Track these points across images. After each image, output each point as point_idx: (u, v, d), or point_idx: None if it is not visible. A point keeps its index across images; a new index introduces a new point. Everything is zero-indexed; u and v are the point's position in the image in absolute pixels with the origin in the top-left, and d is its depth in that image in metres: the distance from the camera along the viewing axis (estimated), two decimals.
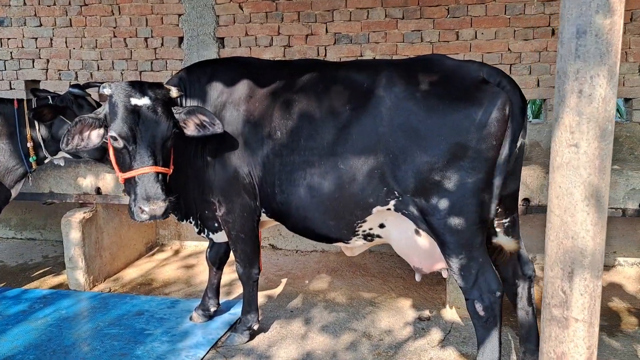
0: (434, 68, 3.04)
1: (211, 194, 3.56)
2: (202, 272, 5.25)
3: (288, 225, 3.48)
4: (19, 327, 4.15)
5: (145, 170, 3.10)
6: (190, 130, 3.28)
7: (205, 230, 3.86)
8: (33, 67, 6.03)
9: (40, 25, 5.91)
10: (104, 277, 5.14)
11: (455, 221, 2.86)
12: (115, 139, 3.12)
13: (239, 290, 4.73)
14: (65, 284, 5.02)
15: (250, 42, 5.57)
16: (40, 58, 6.00)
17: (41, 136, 4.40)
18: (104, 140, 3.25)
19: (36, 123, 4.37)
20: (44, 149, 4.44)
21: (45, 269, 5.44)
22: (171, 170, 3.28)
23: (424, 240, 3.10)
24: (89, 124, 3.24)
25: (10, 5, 5.91)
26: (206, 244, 5.88)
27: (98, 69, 5.90)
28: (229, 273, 4.86)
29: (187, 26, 5.63)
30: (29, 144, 4.37)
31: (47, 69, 6.01)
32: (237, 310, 4.29)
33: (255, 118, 3.39)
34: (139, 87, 3.17)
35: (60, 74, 6.00)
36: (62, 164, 4.69)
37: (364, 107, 3.06)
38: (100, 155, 4.47)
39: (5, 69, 6.08)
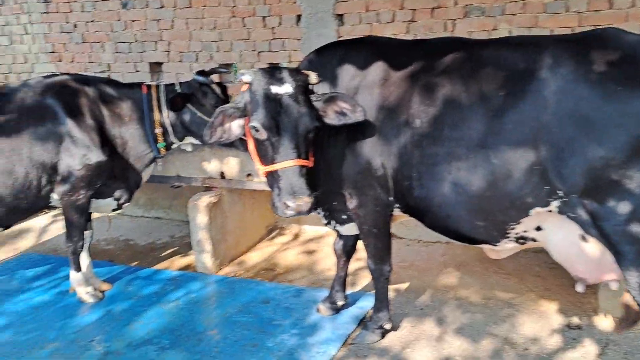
0: (610, 44, 2.62)
1: (342, 186, 3.38)
2: (324, 259, 5.14)
3: (426, 223, 3.23)
4: (153, 309, 4.27)
5: (289, 164, 2.93)
6: (330, 118, 3.08)
7: (333, 222, 3.70)
8: (156, 49, 6.12)
9: (162, 7, 5.95)
10: (229, 261, 5.18)
11: (637, 229, 2.46)
12: (257, 129, 2.97)
13: (363, 281, 4.57)
14: (192, 265, 5.11)
15: (371, 18, 5.27)
16: (162, 40, 6.07)
17: (169, 122, 4.41)
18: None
19: (164, 109, 4.39)
20: (171, 135, 4.46)
21: (173, 249, 5.58)
22: (312, 163, 3.11)
23: (593, 247, 2.73)
24: (229, 115, 3.14)
25: None
26: (325, 229, 5.78)
27: (217, 50, 5.87)
28: (352, 262, 4.70)
29: (306, 3, 5.42)
30: (157, 130, 4.41)
31: (169, 51, 6.07)
32: (364, 304, 4.13)
33: (391, 103, 3.14)
34: (279, 73, 3.00)
35: (181, 56, 6.04)
36: (190, 149, 4.71)
37: (523, 92, 2.70)
38: (229, 142, 4.42)
39: (131, 52, 6.22)
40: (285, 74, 3.01)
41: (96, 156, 4.15)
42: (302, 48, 5.54)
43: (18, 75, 6.79)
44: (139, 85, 4.48)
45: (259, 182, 4.85)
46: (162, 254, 5.49)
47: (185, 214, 6.24)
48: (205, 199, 4.89)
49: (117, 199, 4.54)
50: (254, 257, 5.32)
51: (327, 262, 5.10)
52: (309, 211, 2.97)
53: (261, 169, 3.12)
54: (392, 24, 5.22)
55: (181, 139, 4.53)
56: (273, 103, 2.92)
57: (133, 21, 6.12)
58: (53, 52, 6.55)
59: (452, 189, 2.91)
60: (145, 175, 4.63)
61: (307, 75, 3.06)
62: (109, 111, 4.32)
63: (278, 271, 4.99)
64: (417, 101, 3.00)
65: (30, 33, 6.59)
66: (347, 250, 3.97)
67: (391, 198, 3.24)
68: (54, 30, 6.47)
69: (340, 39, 5.38)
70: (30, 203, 4.13)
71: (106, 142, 4.26)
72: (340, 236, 3.96)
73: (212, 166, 4.97)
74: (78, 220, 4.31)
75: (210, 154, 4.93)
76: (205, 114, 4.33)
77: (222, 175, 4.97)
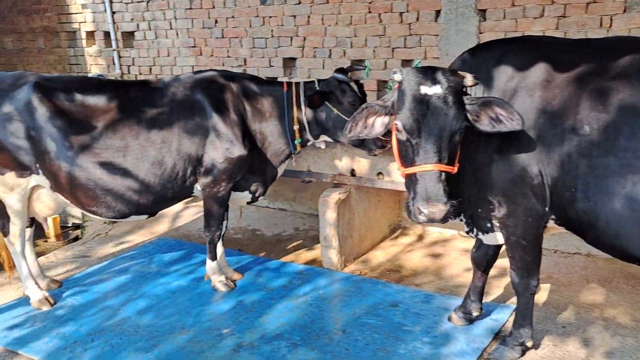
0: None
1: (490, 193, 3.20)
2: (451, 264, 4.98)
3: (588, 239, 2.97)
4: (283, 302, 4.34)
5: (427, 168, 2.83)
6: (483, 124, 2.92)
7: (475, 230, 3.53)
8: (291, 44, 6.22)
9: (299, 2, 6.03)
10: (354, 258, 5.16)
11: None
12: (398, 129, 2.91)
13: (497, 291, 4.36)
14: (318, 260, 5.15)
15: (517, 14, 4.97)
16: (297, 36, 6.15)
17: (306, 119, 4.45)
18: (388, 129, 3.08)
19: (303, 106, 4.43)
20: (308, 132, 4.50)
21: (298, 242, 5.67)
22: (456, 169, 2.97)
23: None
24: (375, 111, 3.09)
25: None
26: (451, 232, 5.59)
27: (351, 46, 5.85)
28: None
29: None
30: (296, 127, 4.47)
31: (303, 47, 6.15)
32: (499, 317, 3.93)
33: (554, 108, 2.91)
34: (431, 73, 2.89)
35: (315, 52, 6.09)
36: (323, 147, 4.73)
37: None
38: (359, 141, 4.40)
39: (266, 47, 6.38)
40: (438, 75, 2.89)
41: (238, 150, 4.28)
42: (439, 44, 5.36)
43: (161, 68, 7.22)
44: (280, 82, 4.56)
45: (389, 182, 4.78)
46: (288, 246, 5.60)
47: (308, 206, 6.37)
48: (335, 196, 4.90)
49: (253, 192, 4.67)
50: (378, 257, 5.26)
51: (455, 267, 4.93)
52: (445, 219, 2.85)
53: (400, 170, 3.04)
54: (540, 20, 4.89)
55: (317, 137, 4.56)
56: (419, 104, 2.83)
57: (270, 17, 6.26)
58: (194, 47, 6.88)
59: (625, 204, 2.65)
60: (280, 170, 4.72)
61: (463, 77, 2.91)
62: (251, 107, 4.44)
63: (404, 273, 4.90)
64: (586, 106, 2.76)
65: (174, 28, 6.96)
66: (487, 259, 3.78)
67: (547, 209, 3.03)
68: (196, 25, 6.79)
69: (482, 35, 5.15)
70: (175, 193, 4.36)
71: (247, 137, 4.39)
72: (480, 245, 3.78)
73: (343, 163, 4.96)
74: (218, 211, 4.49)
75: (341, 152, 4.92)
76: (343, 113, 4.32)
77: (352, 173, 4.95)
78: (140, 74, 7.41)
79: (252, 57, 6.51)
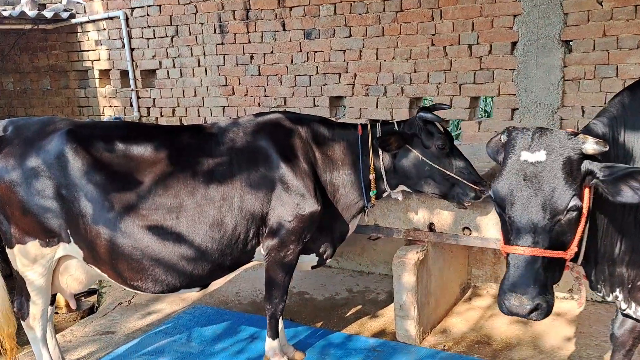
0: None
1: None
2: (546, 332, 4.25)
3: None
4: None
5: (517, 250, 2.22)
6: (625, 196, 2.24)
7: (634, 305, 2.81)
8: (339, 82, 5.60)
9: (350, 35, 5.43)
10: (431, 327, 4.41)
11: None
12: (492, 198, 2.36)
13: None
14: (387, 331, 4.41)
15: (610, 45, 4.39)
16: (347, 72, 5.53)
17: (384, 167, 3.77)
18: None
19: (380, 152, 3.75)
20: (385, 182, 3.81)
21: (356, 308, 4.90)
22: (570, 254, 2.30)
23: None
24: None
25: (319, 16, 5.53)
26: None
27: (410, 83, 5.23)
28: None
29: (525, 28, 4.65)
30: (372, 176, 3.77)
31: (353, 84, 5.53)
32: None
33: None
34: (540, 135, 2.25)
35: (367, 89, 5.47)
36: (400, 198, 4.03)
37: None
38: (445, 190, 3.71)
39: (310, 85, 5.75)
40: (548, 137, 2.25)
41: (310, 206, 3.57)
42: (516, 79, 4.76)
43: (186, 109, 6.56)
44: (353, 125, 3.89)
45: (479, 238, 4.08)
46: (347, 313, 4.82)
47: (357, 262, 5.64)
48: (413, 255, 4.17)
49: (321, 254, 3.94)
50: (458, 325, 4.51)
51: (553, 336, 4.21)
52: (537, 318, 2.21)
53: (500, 247, 2.45)
54: (636, 52, 4.31)
55: (394, 187, 3.87)
56: (516, 172, 2.27)
57: (316, 52, 5.65)
58: (225, 85, 6.24)
59: None
60: (351, 226, 4.00)
61: (584, 142, 2.25)
62: (322, 154, 3.75)
63: (495, 346, 4.14)
64: None
65: (203, 65, 6.33)
66: (633, 336, 3.05)
67: None
68: (228, 62, 6.16)
69: (567, 69, 4.56)
70: (234, 259, 3.61)
71: (319, 189, 3.69)
72: (622, 318, 3.05)
73: (420, 217, 4.26)
74: (283, 280, 3.74)
75: (417, 203, 4.22)
76: (429, 158, 3.65)
77: (431, 228, 4.24)
78: (162, 116, 6.73)
79: (294, 97, 5.87)
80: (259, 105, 6.08)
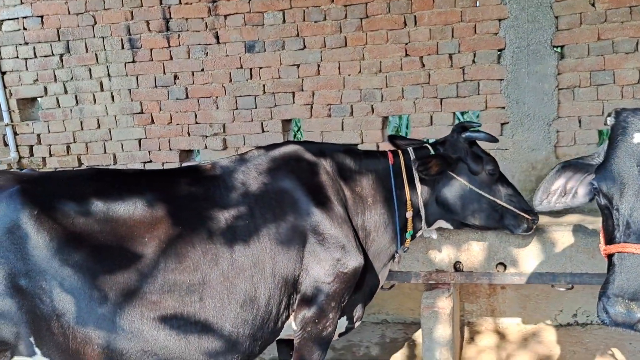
0: None
1: None
2: None
3: None
4: None
5: (628, 249, 1.92)
6: None
7: None
8: (293, 102, 4.73)
9: (304, 47, 4.61)
10: None
11: None
12: (596, 190, 2.08)
13: None
14: None
15: (605, 49, 4.12)
16: (302, 90, 4.69)
17: (422, 201, 3.04)
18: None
19: (417, 183, 3.02)
20: (423, 218, 3.08)
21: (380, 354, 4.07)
22: None
23: None
24: (577, 170, 2.25)
25: (264, 25, 4.64)
26: (532, 325, 4.42)
27: (382, 100, 4.55)
28: None
29: (513, 34, 4.23)
30: (409, 214, 3.01)
31: (312, 104, 4.70)
32: None
33: None
34: None
35: (330, 109, 4.67)
36: (435, 237, 3.31)
37: None
38: (494, 223, 3.09)
39: (256, 107, 4.80)
40: None
41: (353, 260, 2.71)
42: (506, 90, 4.31)
43: (86, 145, 5.19)
44: (382, 152, 3.10)
45: (517, 275, 3.49)
46: None
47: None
48: (444, 303, 3.46)
49: (351, 317, 3.06)
50: None
51: None
52: None
53: (601, 249, 2.15)
54: (633, 55, 4.09)
55: (432, 223, 3.15)
56: (627, 157, 1.99)
57: (261, 68, 4.72)
58: (141, 113, 5.02)
59: None
60: (382, 278, 3.18)
61: None
62: (351, 192, 2.91)
63: None
64: None
65: (107, 89, 5.05)
66: None
67: None
68: (143, 84, 4.97)
69: (561, 76, 4.21)
70: (263, 345, 2.62)
71: (356, 237, 2.83)
72: None
73: (443, 255, 3.57)
74: (319, 359, 2.80)
75: (440, 239, 3.53)
76: (477, 186, 3.00)
77: (457, 267, 3.57)
78: (52, 155, 5.27)
79: (235, 122, 4.87)
80: (189, 135, 4.97)
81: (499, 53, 4.30)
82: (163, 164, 5.07)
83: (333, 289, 2.66)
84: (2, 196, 2.13)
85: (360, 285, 2.97)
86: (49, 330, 2.12)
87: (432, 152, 3.05)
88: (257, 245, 2.47)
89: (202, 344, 2.31)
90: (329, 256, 2.64)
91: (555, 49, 4.20)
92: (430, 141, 3.30)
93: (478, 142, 3.07)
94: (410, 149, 3.08)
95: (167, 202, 2.37)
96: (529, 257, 3.43)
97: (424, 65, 4.44)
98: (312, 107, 4.70)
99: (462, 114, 4.61)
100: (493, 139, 3.01)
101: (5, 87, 5.22)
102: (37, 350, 2.16)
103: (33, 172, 2.46)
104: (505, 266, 3.49)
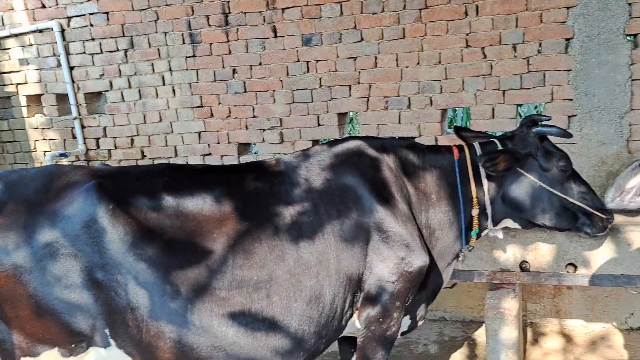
0: None
1: None
2: None
3: None
4: None
5: None
6: None
7: None
8: (349, 95, 4.70)
9: (362, 40, 4.56)
10: None
11: None
12: None
13: None
14: None
15: None
16: (359, 83, 4.65)
17: (489, 198, 2.95)
18: None
19: (484, 180, 2.93)
20: (489, 217, 2.99)
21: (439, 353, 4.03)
22: None
23: None
24: None
25: (321, 18, 4.61)
26: (600, 327, 4.25)
27: (441, 92, 4.46)
28: None
29: (582, 22, 4.04)
30: (474, 211, 2.93)
31: (368, 97, 4.65)
32: None
33: None
34: None
35: (387, 102, 4.62)
36: (501, 237, 3.21)
37: None
38: (566, 223, 2.96)
39: (312, 100, 4.79)
40: None
41: (418, 258, 2.66)
42: (574, 82, 4.13)
43: (149, 138, 5.33)
44: (446, 147, 3.02)
45: (586, 276, 3.36)
46: None
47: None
48: (510, 304, 3.37)
49: (414, 317, 3.02)
50: None
51: None
52: None
53: None
54: None
55: (498, 222, 3.05)
56: None
57: (318, 61, 4.71)
58: (201, 106, 5.11)
59: None
60: (445, 277, 3.12)
61: None
62: (414, 188, 2.85)
63: None
64: None
65: (169, 83, 5.16)
66: None
67: None
68: (203, 78, 5.05)
69: (634, 66, 4.00)
70: (327, 342, 2.62)
71: (420, 235, 2.79)
72: None
73: (509, 254, 3.47)
74: (383, 359, 2.78)
75: (506, 238, 3.43)
76: (548, 184, 2.88)
77: (523, 267, 3.47)
78: (117, 147, 5.45)
79: (291, 115, 4.88)
80: (246, 128, 5.03)
81: (566, 43, 4.12)
82: (222, 157, 5.15)
83: (397, 288, 2.63)
84: (79, 191, 2.20)
85: (424, 284, 2.92)
86: (123, 323, 2.19)
87: (500, 147, 2.96)
88: (322, 242, 2.46)
89: (269, 341, 2.33)
90: (393, 254, 2.61)
91: (628, 37, 3.99)
92: (498, 134, 3.20)
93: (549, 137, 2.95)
94: (476, 144, 2.99)
95: (234, 197, 2.39)
96: (601, 258, 3.28)
97: (485, 56, 4.31)
98: (368, 100, 4.65)
99: (519, 106, 4.44)
100: (566, 134, 2.88)
101: (73, 81, 5.41)
102: (112, 341, 2.23)
103: (106, 167, 2.54)
104: (575, 267, 3.36)
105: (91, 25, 5.25)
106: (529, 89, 4.25)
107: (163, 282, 2.17)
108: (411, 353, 4.19)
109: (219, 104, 5.06)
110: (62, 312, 2.17)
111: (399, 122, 4.61)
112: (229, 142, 5.11)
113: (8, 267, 2.15)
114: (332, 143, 2.83)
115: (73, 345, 2.23)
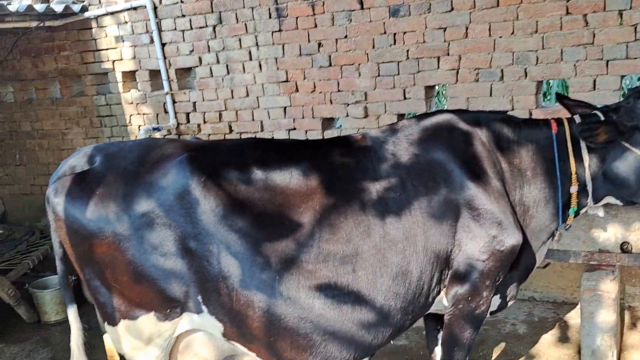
0: None
1: None
2: None
3: None
4: None
5: None
6: None
7: None
8: (438, 67, 4.55)
9: (452, 9, 4.39)
10: None
11: None
12: None
13: None
14: None
15: None
16: (448, 55, 4.49)
17: (590, 174, 2.77)
18: None
19: (585, 155, 2.75)
20: (590, 194, 2.81)
21: (498, 346, 3.92)
22: None
23: None
24: None
25: None
26: None
27: (537, 63, 4.22)
28: None
29: None
30: (574, 188, 2.76)
31: (457, 69, 4.49)
32: None
33: None
34: None
35: (477, 74, 4.44)
36: (602, 215, 3.04)
37: None
38: None
39: (399, 73, 4.69)
40: None
41: (511, 237, 2.57)
42: None
43: (236, 113, 5.44)
44: (544, 121, 2.87)
45: None
46: (490, 354, 3.84)
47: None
48: (608, 286, 3.19)
49: (505, 297, 2.92)
50: None
51: None
52: None
53: None
54: None
55: (600, 199, 2.87)
56: None
57: (405, 33, 4.59)
58: (286, 81, 5.14)
59: None
60: (539, 257, 2.99)
61: None
62: (508, 164, 2.73)
63: None
64: None
65: (255, 58, 5.22)
66: None
67: None
68: (289, 53, 5.07)
69: None
70: (413, 318, 2.61)
71: (514, 213, 2.67)
72: None
73: (609, 234, 3.28)
74: (470, 338, 2.72)
75: (606, 217, 3.23)
76: None
77: (624, 248, 3.26)
78: (206, 122, 5.61)
79: (377, 89, 4.81)
80: (331, 103, 5.01)
81: None
82: (306, 131, 5.18)
83: (488, 267, 2.55)
84: (172, 163, 2.28)
85: (517, 263, 2.81)
86: (215, 291, 2.26)
87: (602, 118, 2.77)
88: (409, 219, 2.42)
89: (355, 314, 2.34)
90: (484, 233, 2.53)
91: None
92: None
93: None
94: (576, 117, 2.82)
95: (321, 172, 2.40)
96: None
97: (587, 24, 4.02)
98: (458, 72, 4.49)
99: (623, 77, 4.12)
100: None
101: (165, 57, 5.60)
102: (204, 308, 2.32)
103: (198, 140, 2.62)
104: None
105: (181, 2, 5.39)
106: (635, 58, 3.94)
107: (253, 253, 2.22)
108: (498, 332, 4.09)
109: (304, 78, 5.07)
110: (157, 278, 2.28)
111: (490, 95, 4.43)
112: (314, 117, 5.12)
113: (109, 235, 2.27)
114: (420, 117, 2.76)
115: (168, 311, 2.34)
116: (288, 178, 2.34)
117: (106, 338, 4.19)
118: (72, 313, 2.59)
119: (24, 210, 6.77)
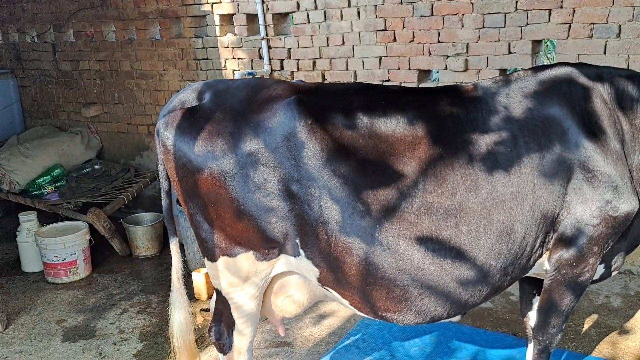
0: None
1: None
2: None
3: None
4: None
5: None
6: None
7: None
8: (548, 20, 4.27)
9: None
10: None
11: None
12: None
13: None
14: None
15: None
16: (562, 7, 4.20)
17: None
18: None
19: None
20: None
21: (590, 317, 3.77)
22: None
23: None
24: None
25: None
26: None
27: None
28: None
29: None
30: None
31: (570, 23, 4.19)
32: None
33: None
34: None
35: (592, 29, 4.13)
36: None
37: None
38: None
39: (505, 25, 4.44)
40: None
41: (627, 203, 2.41)
42: None
43: (330, 62, 5.38)
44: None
45: None
46: (581, 326, 3.70)
47: None
48: None
49: (609, 266, 2.77)
50: None
51: None
52: None
53: None
54: None
55: None
56: None
57: None
58: (384, 30, 5.01)
59: None
60: None
61: None
62: (630, 124, 2.54)
63: None
64: None
65: (354, 5, 5.11)
66: None
67: None
68: (389, 0, 4.91)
69: None
70: (512, 280, 2.54)
71: (631, 178, 2.50)
72: None
73: None
74: (570, 305, 2.63)
75: None
76: None
77: None
78: (299, 70, 5.60)
79: (479, 42, 4.59)
80: (429, 55, 4.85)
81: None
82: (400, 83, 5.05)
83: (597, 233, 2.42)
84: (281, 105, 2.28)
85: (627, 232, 2.66)
86: (313, 235, 2.29)
87: None
88: (519, 176, 2.32)
89: (454, 270, 2.30)
90: (597, 196, 2.39)
91: None
92: None
93: None
94: None
95: (427, 121, 2.33)
96: None
97: None
98: (570, 27, 4.20)
99: None
100: None
101: (263, 1, 5.59)
102: (302, 251, 2.36)
103: (305, 83, 2.60)
104: None
105: None
106: None
107: (354, 200, 2.21)
108: (591, 303, 3.93)
109: (403, 27, 4.92)
110: (258, 218, 2.33)
111: (604, 53, 4.12)
112: (410, 69, 4.98)
113: (214, 171, 2.33)
114: (538, 69, 2.60)
115: (267, 251, 2.40)
116: (394, 126, 2.29)
117: (194, 276, 4.41)
118: (174, 246, 2.70)
119: (120, 148, 7.13)
